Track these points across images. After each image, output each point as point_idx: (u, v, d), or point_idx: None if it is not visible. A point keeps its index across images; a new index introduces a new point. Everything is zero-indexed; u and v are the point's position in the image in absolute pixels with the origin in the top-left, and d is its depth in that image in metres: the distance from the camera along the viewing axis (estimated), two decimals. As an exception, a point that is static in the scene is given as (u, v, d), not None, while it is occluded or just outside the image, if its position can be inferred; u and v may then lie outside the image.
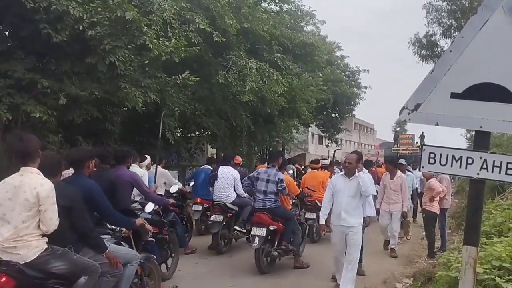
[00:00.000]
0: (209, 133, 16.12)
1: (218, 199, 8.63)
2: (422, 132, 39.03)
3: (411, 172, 13.02)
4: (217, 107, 14.41)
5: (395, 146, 40.07)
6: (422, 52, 28.62)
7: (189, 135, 16.54)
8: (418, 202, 12.52)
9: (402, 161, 10.81)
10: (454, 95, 2.98)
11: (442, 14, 27.00)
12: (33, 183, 3.48)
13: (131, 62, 9.52)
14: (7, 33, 9.66)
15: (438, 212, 8.89)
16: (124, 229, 4.74)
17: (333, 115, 28.92)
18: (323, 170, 10.68)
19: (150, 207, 5.75)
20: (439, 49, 28.68)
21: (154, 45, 9.15)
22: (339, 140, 33.53)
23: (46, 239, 3.58)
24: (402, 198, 8.87)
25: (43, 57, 9.18)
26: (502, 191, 10.19)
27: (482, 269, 3.92)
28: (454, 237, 10.04)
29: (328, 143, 33.68)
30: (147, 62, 9.94)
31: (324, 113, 26.92)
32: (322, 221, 6.46)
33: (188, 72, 10.90)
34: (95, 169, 4.88)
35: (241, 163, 11.78)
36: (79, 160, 4.55)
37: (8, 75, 8.20)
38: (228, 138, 16.60)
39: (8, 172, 3.67)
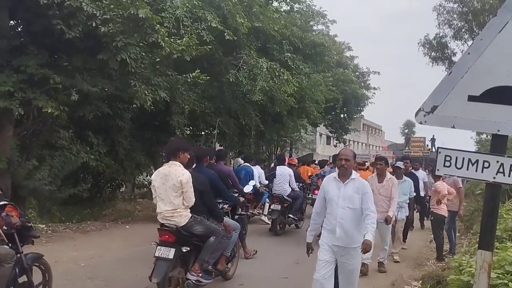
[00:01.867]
0: (218, 131, 16.15)
1: (276, 193, 10.37)
2: (433, 135, 39.04)
3: (416, 174, 11.20)
4: (226, 106, 14.42)
5: (406, 148, 40.02)
6: (432, 54, 28.45)
7: (198, 133, 16.57)
8: (420, 208, 11.68)
9: (399, 164, 9.26)
10: (471, 98, 2.95)
11: (453, 16, 26.81)
12: (177, 173, 5.09)
13: (142, 59, 9.56)
14: (20, 29, 9.74)
15: (446, 215, 8.82)
16: (225, 206, 6.65)
17: (342, 115, 28.84)
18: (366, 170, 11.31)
19: (248, 188, 8.11)
20: (449, 51, 28.50)
21: (166, 43, 9.16)
22: (347, 141, 33.44)
23: (189, 211, 5.23)
24: (390, 204, 7.42)
25: (55, 52, 9.23)
26: (512, 195, 10.11)
27: (495, 274, 3.88)
28: (463, 240, 9.98)
29: (336, 144, 33.59)
30: (158, 60, 9.96)
31: (333, 113, 26.86)
32: (308, 239, 4.88)
33: (199, 70, 10.92)
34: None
35: (296, 164, 13.55)
36: (202, 156, 6.36)
37: (21, 70, 8.26)
38: (236, 137, 16.62)
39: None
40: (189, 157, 5.38)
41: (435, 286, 6.25)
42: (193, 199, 5.18)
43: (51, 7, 7.88)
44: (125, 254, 7.94)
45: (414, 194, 8.87)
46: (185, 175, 5.10)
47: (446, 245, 9.44)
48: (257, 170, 11.09)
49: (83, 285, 6.15)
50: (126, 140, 12.06)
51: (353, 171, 4.76)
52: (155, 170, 14.87)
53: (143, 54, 9.46)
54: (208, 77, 11.09)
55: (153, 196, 5.37)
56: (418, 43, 28.34)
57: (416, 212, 10.72)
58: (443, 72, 29.20)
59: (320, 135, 44.98)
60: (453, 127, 3.01)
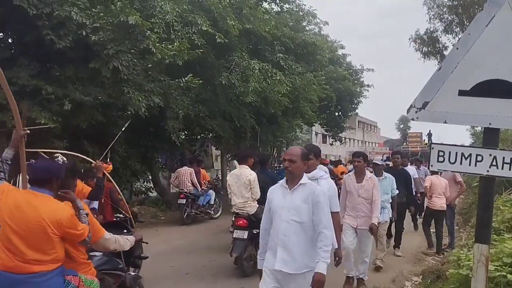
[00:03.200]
0: (214, 134, 16.13)
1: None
2: (430, 131, 39.65)
3: (407, 171, 9.76)
4: (221, 109, 14.41)
5: (404, 144, 40.53)
6: (424, 48, 28.56)
7: (193, 137, 16.55)
8: (413, 209, 9.90)
9: (377, 160, 8.45)
10: (462, 93, 2.97)
11: (444, 10, 26.94)
12: (246, 174, 7.11)
13: (134, 66, 9.55)
14: (10, 40, 9.71)
15: (438, 209, 8.90)
16: None
17: (336, 113, 28.82)
18: None
19: None
20: (440, 45, 28.62)
21: (157, 49, 9.16)
22: (343, 139, 33.44)
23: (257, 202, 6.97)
24: (372, 206, 6.42)
25: (46, 63, 9.21)
26: (509, 187, 10.17)
27: (493, 266, 3.90)
28: (462, 233, 10.03)
29: (332, 142, 33.65)
30: (150, 66, 9.96)
31: (328, 112, 26.83)
32: (259, 265, 3.97)
33: (191, 74, 10.92)
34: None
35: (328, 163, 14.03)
36: (265, 160, 8.50)
37: (13, 82, 8.21)
38: (232, 139, 16.61)
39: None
40: (253, 161, 7.40)
41: (435, 280, 6.27)
42: (259, 193, 7.01)
43: (41, 18, 7.87)
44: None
45: (397, 191, 7.86)
46: (253, 175, 7.14)
47: (446, 239, 9.49)
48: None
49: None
50: (121, 148, 12.02)
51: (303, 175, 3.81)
52: (151, 176, 14.98)
53: (135, 60, 9.44)
54: (201, 81, 11.09)
55: (228, 192, 7.45)
56: (409, 39, 28.47)
57: (409, 212, 9.50)
58: (435, 66, 29.31)
59: (316, 134, 45.04)
60: (445, 122, 3.03)
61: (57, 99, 8.54)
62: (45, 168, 3.38)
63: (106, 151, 6.60)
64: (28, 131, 3.86)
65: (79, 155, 5.45)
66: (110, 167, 7.01)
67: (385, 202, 7.47)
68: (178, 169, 13.26)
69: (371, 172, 7.52)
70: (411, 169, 11.29)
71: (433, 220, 9.22)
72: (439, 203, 8.89)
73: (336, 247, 4.36)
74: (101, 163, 5.45)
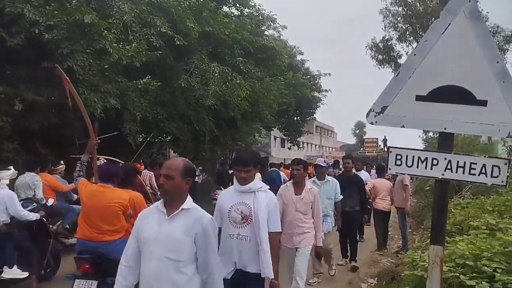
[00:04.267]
0: (172, 137, 15.91)
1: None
2: (385, 136, 41.25)
3: (359, 177, 8.97)
4: (179, 112, 14.23)
5: (361, 149, 41.81)
6: (379, 56, 29.37)
7: (151, 140, 16.27)
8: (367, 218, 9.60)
9: (319, 161, 7.50)
10: (419, 98, 3.03)
11: (398, 19, 27.82)
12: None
13: (90, 66, 9.28)
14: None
15: (381, 209, 9.42)
16: None
17: (295, 118, 29.17)
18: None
19: None
20: (395, 54, 29.50)
21: (114, 49, 8.97)
22: (301, 143, 33.84)
23: None
24: (315, 225, 5.55)
25: (-3, 61, 8.82)
26: (459, 190, 10.54)
27: (447, 267, 4.01)
28: (415, 236, 10.29)
29: (290, 146, 33.98)
30: (107, 66, 9.71)
31: (286, 116, 27.10)
32: None
33: (150, 76, 10.74)
34: None
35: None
36: (265, 163, 9.63)
37: (-41, 80, 7.85)
38: (191, 143, 16.44)
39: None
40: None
41: (390, 282, 6.41)
42: None
43: (-9, 14, 7.55)
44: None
45: (341, 197, 7.05)
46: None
47: (399, 242, 9.73)
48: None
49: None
50: (77, 149, 11.65)
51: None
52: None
53: (91, 61, 9.19)
54: (159, 83, 10.92)
55: None
56: (366, 46, 29.22)
57: (362, 221, 9.18)
58: (390, 73, 30.21)
59: (275, 138, 45.30)
60: (403, 126, 3.08)
61: (7, 99, 8.19)
62: (107, 169, 4.95)
63: (138, 152, 8.98)
64: (99, 141, 5.66)
65: (111, 158, 7.13)
66: (142, 167, 8.71)
67: (327, 209, 6.72)
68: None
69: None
70: (364, 174, 11.02)
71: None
72: (382, 204, 9.42)
73: (272, 277, 3.68)
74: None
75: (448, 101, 2.96)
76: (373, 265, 8.36)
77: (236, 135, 19.02)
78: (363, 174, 10.61)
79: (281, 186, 5.95)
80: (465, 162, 2.99)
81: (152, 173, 12.67)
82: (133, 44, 9.73)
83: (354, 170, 9.08)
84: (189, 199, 2.91)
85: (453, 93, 2.93)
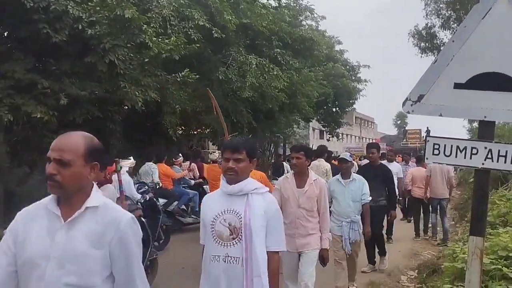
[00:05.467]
0: (210, 130, 16.12)
1: None
2: (427, 127, 40.54)
3: (388, 168, 7.78)
4: (218, 104, 14.38)
5: (404, 140, 41.34)
6: (422, 44, 28.56)
7: (190, 132, 16.53)
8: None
9: (345, 155, 6.29)
10: (457, 85, 2.96)
11: (441, 5, 26.92)
12: (324, 164, 8.99)
13: (130, 60, 9.49)
14: (6, 34, 9.64)
15: (417, 197, 9.95)
16: None
17: (334, 109, 28.86)
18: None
19: None
20: (438, 41, 28.60)
21: (153, 43, 9.12)
22: (340, 134, 33.48)
23: None
24: (320, 223, 4.66)
25: (42, 57, 9.16)
26: (505, 182, 10.22)
27: (489, 259, 3.92)
28: (458, 228, 10.08)
29: (329, 138, 33.70)
30: (146, 60, 9.91)
31: (325, 107, 26.87)
32: None
33: (188, 69, 10.88)
34: None
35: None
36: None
37: (8, 76, 8.17)
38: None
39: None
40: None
41: (431, 274, 6.30)
42: None
43: (37, 12, 7.81)
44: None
45: (370, 198, 6.00)
46: (328, 166, 8.95)
47: (441, 233, 9.55)
48: None
49: None
50: (119, 143, 12.00)
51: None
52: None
53: (131, 55, 9.39)
54: (197, 76, 11.05)
55: None
56: (409, 33, 28.41)
57: (388, 218, 7.73)
58: (433, 62, 29.28)
59: (313, 129, 45.04)
60: (440, 115, 3.02)
61: (53, 93, 8.48)
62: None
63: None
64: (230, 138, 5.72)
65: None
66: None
67: (354, 213, 5.80)
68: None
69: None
70: (395, 165, 10.25)
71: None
72: (419, 192, 9.93)
73: None
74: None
75: (488, 89, 2.88)
76: (414, 257, 8.24)
77: (274, 127, 19.03)
78: (394, 165, 9.97)
79: (280, 178, 5.13)
80: (507, 151, 2.89)
81: (195, 165, 12.93)
82: (172, 38, 9.87)
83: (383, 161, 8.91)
84: (96, 192, 1.97)
85: (494, 80, 2.85)
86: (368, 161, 7.70)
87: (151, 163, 9.22)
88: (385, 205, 7.12)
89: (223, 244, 2.71)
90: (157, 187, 8.86)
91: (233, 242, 2.70)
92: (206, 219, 2.82)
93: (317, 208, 4.60)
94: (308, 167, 4.73)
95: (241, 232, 2.68)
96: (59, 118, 8.99)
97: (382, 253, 7.43)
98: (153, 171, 9.03)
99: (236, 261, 2.68)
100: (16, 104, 8.07)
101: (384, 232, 8.17)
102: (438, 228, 9.62)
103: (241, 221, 2.70)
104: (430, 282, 5.93)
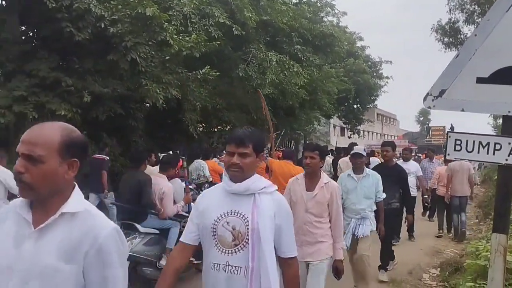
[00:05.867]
0: (231, 127, 16.18)
1: None
2: (451, 124, 40.09)
3: (402, 168, 7.17)
4: (238, 101, 14.44)
5: (427, 137, 41.01)
6: (445, 39, 28.09)
7: (211, 129, 16.63)
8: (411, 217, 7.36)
9: (358, 149, 5.78)
10: (480, 80, 2.91)
11: (465, 0, 26.43)
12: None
13: (152, 58, 9.61)
14: (30, 33, 9.86)
15: (442, 195, 9.82)
16: None
17: (355, 106, 28.68)
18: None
19: None
20: (462, 36, 28.08)
21: (174, 41, 9.20)
22: (361, 131, 33.23)
23: None
24: (333, 231, 4.13)
25: (66, 55, 9.33)
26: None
27: (512, 257, 3.84)
28: (482, 226, 9.91)
29: (350, 135, 33.47)
30: (167, 58, 10.01)
31: (346, 104, 26.71)
32: None
33: (209, 66, 10.94)
34: None
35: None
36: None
37: (33, 74, 8.38)
38: (249, 132, 16.61)
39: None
40: None
41: (454, 272, 6.21)
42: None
43: (60, 11, 7.97)
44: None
45: (384, 195, 5.66)
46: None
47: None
48: None
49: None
50: (140, 140, 12.17)
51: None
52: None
53: (153, 52, 9.50)
54: (218, 73, 11.11)
55: None
56: (431, 28, 27.97)
57: (405, 222, 7.44)
58: (456, 57, 28.79)
59: (334, 126, 44.77)
60: (462, 110, 2.97)
61: (76, 91, 8.65)
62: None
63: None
64: (275, 135, 6.76)
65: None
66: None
67: (366, 210, 5.39)
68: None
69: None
70: (413, 164, 9.27)
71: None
72: (443, 190, 9.84)
73: None
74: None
75: (512, 83, 2.82)
76: (436, 255, 8.13)
77: (294, 123, 19.00)
78: (411, 164, 9.04)
79: (290, 179, 4.47)
80: (531, 147, 2.84)
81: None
82: (193, 35, 9.94)
83: (397, 159, 8.46)
84: (77, 196, 1.67)
85: (518, 75, 2.79)
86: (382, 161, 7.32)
87: (199, 160, 9.48)
88: (397, 208, 6.64)
89: (224, 251, 2.34)
90: (209, 181, 9.18)
91: (235, 249, 2.32)
92: (206, 221, 2.39)
93: (329, 214, 4.09)
94: (321, 169, 4.24)
95: (247, 238, 2.32)
96: (83, 115, 9.16)
97: (384, 266, 6.69)
98: (203, 166, 9.25)
99: (238, 271, 2.32)
100: (40, 102, 8.26)
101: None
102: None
103: (247, 225, 2.32)
104: (453, 280, 5.85)
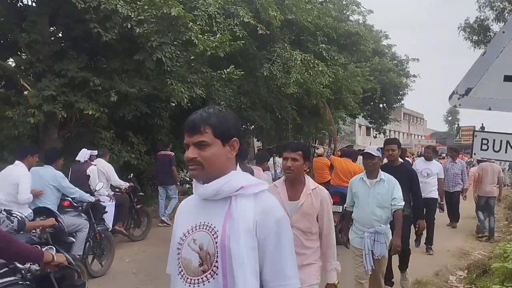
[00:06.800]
0: (255, 126, 16.22)
1: None
2: (482, 124, 39.54)
3: (410, 168, 6.44)
4: (262, 100, 14.45)
5: (457, 137, 40.69)
6: (474, 37, 27.50)
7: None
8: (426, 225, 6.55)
9: (370, 149, 4.72)
10: (508, 78, 2.85)
11: (495, -3, 25.82)
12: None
13: (177, 58, 9.72)
14: (60, 34, 10.10)
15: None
16: None
17: (381, 105, 28.35)
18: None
19: None
20: (492, 34, 27.44)
21: (199, 41, 9.28)
22: (388, 131, 32.83)
23: None
24: (324, 248, 3.30)
25: (94, 55, 9.53)
26: None
27: (542, 260, 3.75)
28: (511, 228, 9.68)
29: (376, 134, 33.13)
30: (192, 57, 10.10)
31: (371, 103, 26.45)
32: None
33: (233, 66, 11.00)
34: None
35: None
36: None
37: (62, 74, 8.58)
38: (274, 131, 16.64)
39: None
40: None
41: (481, 275, 6.08)
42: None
43: (88, 12, 8.13)
44: (167, 249, 8.13)
45: (402, 203, 4.59)
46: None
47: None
48: None
49: (127, 279, 6.37)
50: (166, 138, 12.32)
51: None
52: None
53: (178, 52, 9.60)
54: (242, 73, 11.14)
55: None
56: (458, 28, 27.45)
57: (416, 231, 6.15)
58: (486, 55, 28.13)
59: (359, 126, 44.40)
60: (489, 109, 2.92)
61: (104, 91, 8.82)
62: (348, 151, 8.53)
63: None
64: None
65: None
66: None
67: (380, 223, 4.53)
68: None
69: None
70: (436, 165, 8.40)
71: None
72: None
73: None
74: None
75: (541, 81, 2.76)
76: (463, 257, 7.97)
77: (319, 123, 18.91)
78: (434, 165, 8.25)
79: (274, 183, 3.51)
80: (561, 147, 2.77)
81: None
82: (217, 35, 10.01)
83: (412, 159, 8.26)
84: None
85: (547, 72, 2.73)
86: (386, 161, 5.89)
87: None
88: (409, 215, 5.58)
89: (189, 281, 1.63)
90: None
91: (202, 278, 1.61)
92: (174, 241, 1.75)
93: (319, 228, 3.25)
94: (305, 173, 3.39)
95: (216, 261, 1.60)
96: (110, 114, 9.34)
97: (403, 267, 6.05)
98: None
99: None
100: (69, 101, 8.46)
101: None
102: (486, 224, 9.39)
103: (216, 242, 1.60)
104: (480, 283, 5.72)
